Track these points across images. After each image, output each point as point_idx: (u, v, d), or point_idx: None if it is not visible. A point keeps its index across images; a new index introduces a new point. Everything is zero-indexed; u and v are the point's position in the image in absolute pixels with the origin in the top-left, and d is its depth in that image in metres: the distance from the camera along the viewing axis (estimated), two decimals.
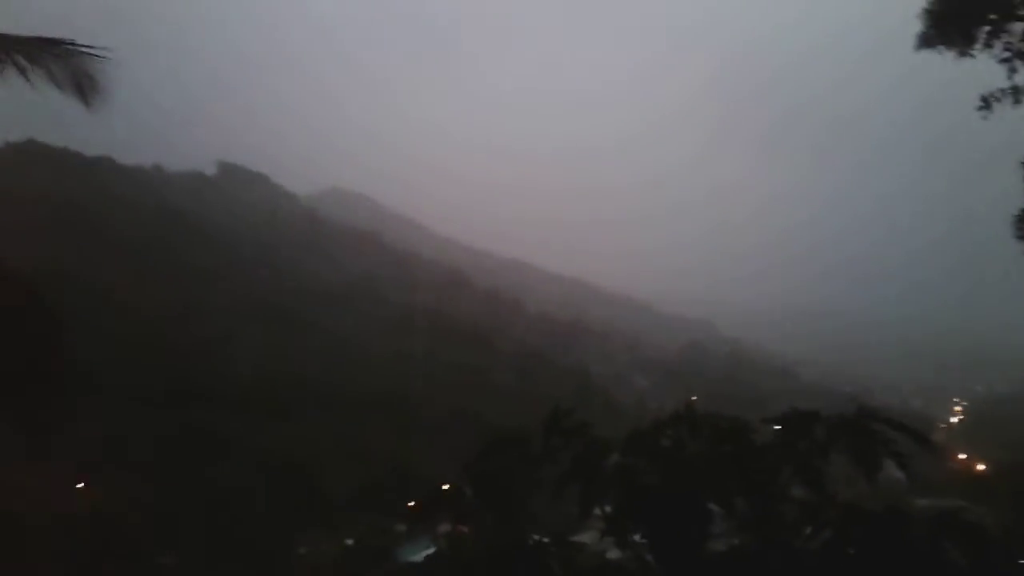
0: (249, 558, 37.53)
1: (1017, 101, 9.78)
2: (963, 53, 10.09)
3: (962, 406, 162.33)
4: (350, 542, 43.47)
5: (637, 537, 4.62)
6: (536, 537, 4.72)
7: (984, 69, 9.82)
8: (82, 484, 36.16)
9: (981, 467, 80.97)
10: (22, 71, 9.09)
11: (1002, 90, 9.96)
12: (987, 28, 9.85)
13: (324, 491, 48.15)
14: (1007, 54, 9.83)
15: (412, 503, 4.87)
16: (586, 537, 4.90)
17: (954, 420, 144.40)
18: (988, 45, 9.93)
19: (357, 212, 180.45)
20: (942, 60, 10.08)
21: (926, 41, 10.29)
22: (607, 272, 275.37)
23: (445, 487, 4.79)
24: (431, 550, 5.22)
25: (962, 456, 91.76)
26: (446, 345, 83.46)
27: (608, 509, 4.54)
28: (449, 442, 43.77)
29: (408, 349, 79.26)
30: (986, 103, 10.10)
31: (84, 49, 9.53)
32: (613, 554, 4.70)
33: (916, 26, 10.23)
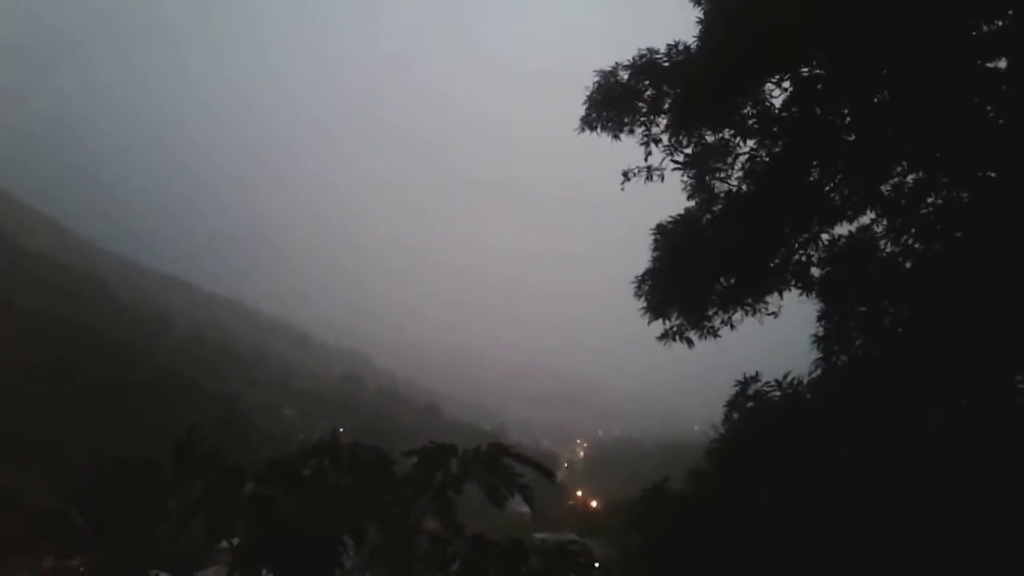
0: None
1: (649, 178, 11.18)
2: (615, 137, 11.36)
3: (584, 447, 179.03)
4: None
5: (267, 573, 4.43)
6: (155, 572, 4.34)
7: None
8: None
9: (594, 503, 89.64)
10: None
11: (638, 168, 11.33)
12: (633, 116, 11.15)
13: None
14: (644, 139, 11.19)
15: (10, 533, 4.17)
16: (212, 572, 4.61)
17: (579, 456, 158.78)
18: (631, 131, 11.26)
19: None
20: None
21: (587, 123, 11.52)
22: (265, 295, 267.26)
23: (49, 514, 4.22)
24: None
25: (579, 493, 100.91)
26: (78, 360, 75.23)
27: (237, 541, 4.31)
28: (70, 469, 39.18)
29: (32, 361, 70.21)
30: (626, 177, 11.44)
31: None
32: None
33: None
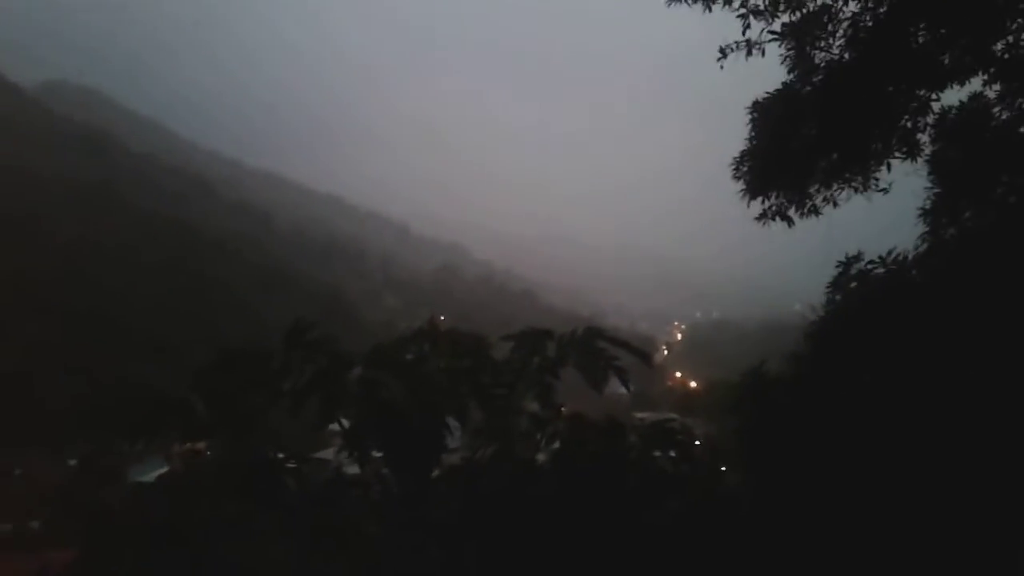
0: None
1: (749, 53, 10.65)
2: (707, 7, 10.81)
3: (682, 329, 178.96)
4: (74, 462, 40.44)
5: (376, 453, 4.65)
6: (273, 453, 4.61)
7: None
8: None
9: (693, 384, 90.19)
10: None
11: (736, 43, 10.79)
12: None
13: (44, 407, 44.27)
14: (743, 10, 10.61)
15: (140, 419, 4.49)
16: (328, 453, 4.86)
17: (677, 339, 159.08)
18: (728, 2, 10.68)
19: (90, 109, 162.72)
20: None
21: None
22: (363, 191, 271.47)
23: (173, 402, 4.49)
24: (163, 469, 4.93)
25: (678, 375, 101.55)
26: (189, 257, 78.59)
27: (347, 424, 4.52)
28: (186, 359, 41.49)
29: (147, 259, 73.78)
30: (723, 54, 10.91)
31: None
32: (351, 469, 4.69)
33: None
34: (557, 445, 4.72)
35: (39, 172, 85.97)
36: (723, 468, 7.21)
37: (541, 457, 4.82)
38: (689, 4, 10.88)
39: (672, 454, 4.70)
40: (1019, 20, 8.55)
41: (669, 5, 11.01)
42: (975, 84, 9.32)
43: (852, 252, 8.74)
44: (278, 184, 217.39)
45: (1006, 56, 8.77)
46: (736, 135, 10.98)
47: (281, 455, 4.53)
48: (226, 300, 74.05)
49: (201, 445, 5.04)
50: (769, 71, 10.70)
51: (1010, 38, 8.68)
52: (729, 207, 11.45)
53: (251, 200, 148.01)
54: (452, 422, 4.64)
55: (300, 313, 4.91)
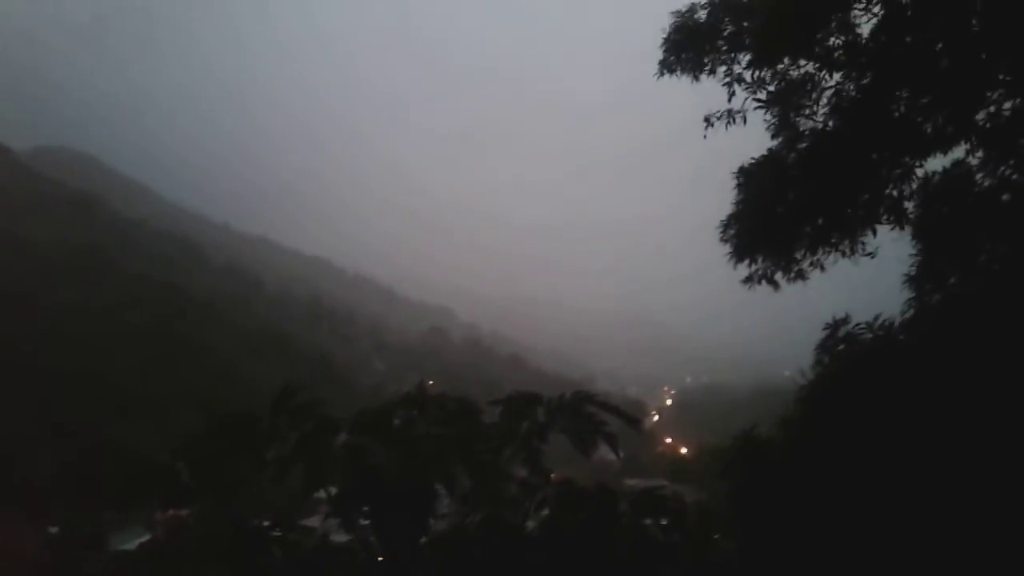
0: None
1: (732, 121, 10.90)
2: (695, 78, 11.08)
3: (672, 394, 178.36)
4: (54, 530, 39.50)
5: (363, 520, 4.59)
6: (259, 521, 4.54)
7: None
8: None
9: (684, 450, 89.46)
10: None
11: (719, 112, 11.05)
12: (714, 55, 10.85)
13: (23, 473, 43.39)
14: (727, 78, 10.87)
15: (126, 485, 4.42)
16: (314, 520, 4.80)
17: (667, 404, 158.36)
18: (712, 72, 10.95)
19: (81, 173, 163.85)
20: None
21: (666, 67, 11.29)
22: (350, 253, 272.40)
23: (159, 468, 4.44)
24: (145, 537, 4.84)
25: (668, 440, 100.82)
26: (177, 319, 78.29)
27: (334, 491, 4.47)
28: (173, 424, 41.01)
29: (136, 322, 73.43)
30: (708, 122, 11.17)
31: None
32: (338, 537, 4.63)
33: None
34: (546, 512, 4.67)
35: (28, 236, 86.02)
36: (714, 535, 7.14)
37: (530, 524, 4.77)
38: (678, 76, 11.17)
39: (663, 521, 4.66)
40: (1000, 90, 8.75)
41: (658, 79, 11.30)
42: (958, 151, 9.50)
43: (839, 315, 8.80)
44: (266, 247, 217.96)
45: (987, 125, 8.95)
46: (724, 200, 11.14)
47: (267, 522, 4.47)
48: (214, 362, 73.47)
49: (184, 512, 4.97)
50: (754, 138, 10.92)
51: (991, 107, 8.87)
52: (718, 272, 11.54)
53: (240, 263, 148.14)
54: (440, 488, 4.60)
55: (289, 376, 4.90)
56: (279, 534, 4.37)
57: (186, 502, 4.62)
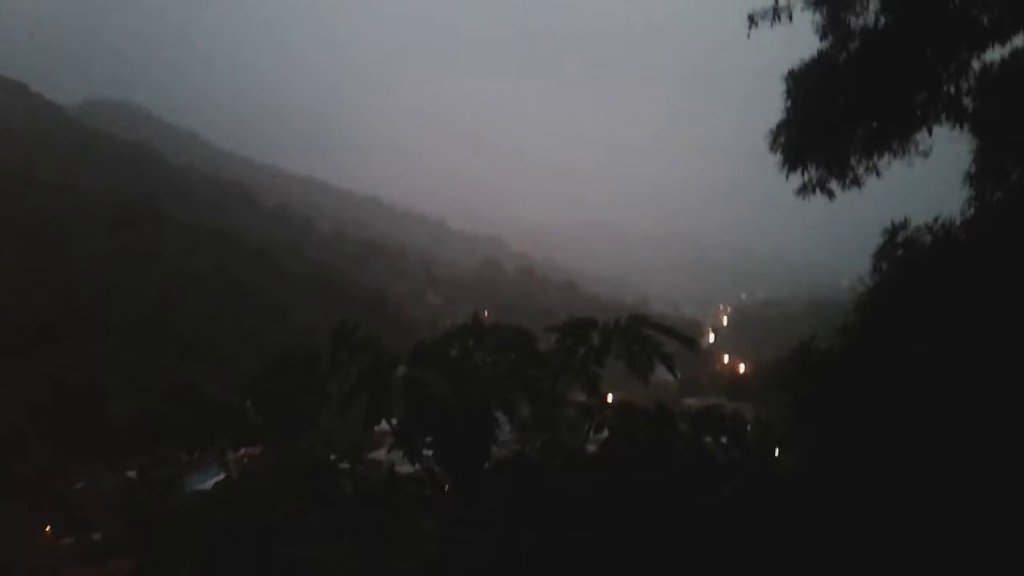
0: (23, 496, 34.80)
1: (777, 19, 10.45)
2: None
3: (728, 312, 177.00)
4: (132, 474, 41.20)
5: (427, 450, 4.67)
6: (326, 455, 4.65)
7: None
8: None
9: (742, 367, 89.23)
10: None
11: (764, 9, 10.61)
12: None
13: (102, 420, 45.23)
14: None
15: (195, 429, 4.56)
16: (379, 453, 4.89)
17: (723, 323, 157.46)
18: None
19: (130, 124, 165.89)
20: None
21: None
22: (399, 191, 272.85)
23: (227, 409, 4.55)
24: (220, 477, 4.99)
25: (726, 358, 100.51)
26: (233, 266, 79.73)
27: (395, 423, 4.54)
28: (236, 365, 42.13)
29: (193, 270, 75.08)
30: (752, 21, 10.73)
31: None
32: (404, 468, 4.72)
33: None
34: (605, 434, 4.71)
35: (83, 189, 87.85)
36: (775, 451, 7.13)
37: (590, 447, 4.82)
38: None
39: (723, 439, 4.66)
40: None
41: None
42: (1017, 41, 9.06)
43: (898, 221, 8.58)
44: (316, 188, 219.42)
45: None
46: (774, 111, 10.79)
47: (334, 456, 4.57)
48: (270, 305, 75.03)
49: (255, 450, 5.11)
50: (803, 44, 10.51)
51: None
52: (770, 185, 11.24)
53: (290, 206, 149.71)
54: (500, 416, 4.64)
55: (343, 316, 4.94)
56: (347, 467, 4.47)
57: (256, 440, 4.74)
